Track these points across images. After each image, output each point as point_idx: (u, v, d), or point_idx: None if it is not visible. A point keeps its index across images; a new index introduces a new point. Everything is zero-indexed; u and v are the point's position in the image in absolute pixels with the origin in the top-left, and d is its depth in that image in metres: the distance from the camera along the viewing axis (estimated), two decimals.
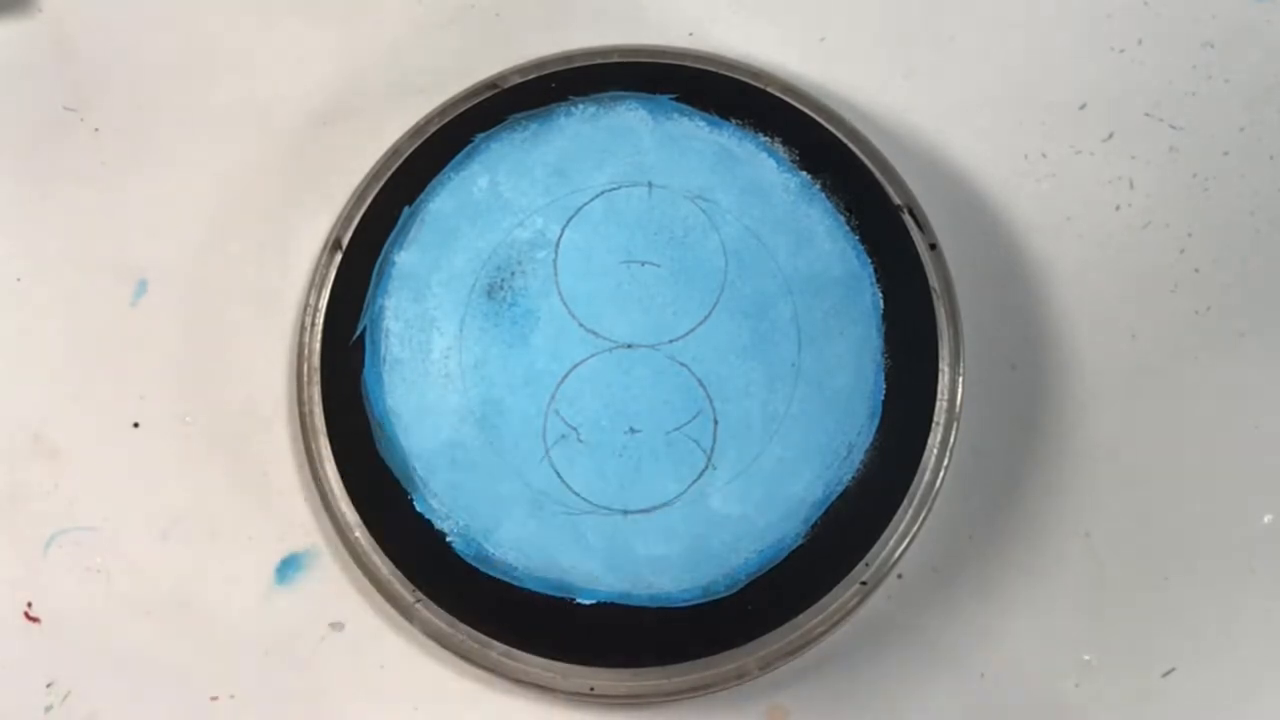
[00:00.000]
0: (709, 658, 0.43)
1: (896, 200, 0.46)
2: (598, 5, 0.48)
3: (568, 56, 0.47)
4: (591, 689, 0.44)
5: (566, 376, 0.44)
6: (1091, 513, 0.46)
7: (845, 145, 0.46)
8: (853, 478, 0.43)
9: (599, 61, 0.46)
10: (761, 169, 0.45)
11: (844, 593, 0.44)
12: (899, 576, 0.46)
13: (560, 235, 0.44)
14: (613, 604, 0.43)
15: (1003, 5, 0.49)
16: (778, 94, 0.46)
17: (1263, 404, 0.47)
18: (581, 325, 0.44)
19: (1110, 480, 0.46)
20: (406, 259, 0.44)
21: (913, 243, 0.45)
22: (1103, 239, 0.48)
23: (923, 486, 0.44)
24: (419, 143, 0.46)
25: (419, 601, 0.44)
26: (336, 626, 0.45)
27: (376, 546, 0.44)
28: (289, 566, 0.46)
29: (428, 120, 0.46)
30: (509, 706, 0.45)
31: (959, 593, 0.46)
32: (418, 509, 0.43)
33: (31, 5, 0.48)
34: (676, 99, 0.45)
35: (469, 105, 0.46)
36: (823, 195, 0.45)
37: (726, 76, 0.47)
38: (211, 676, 0.45)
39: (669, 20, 0.49)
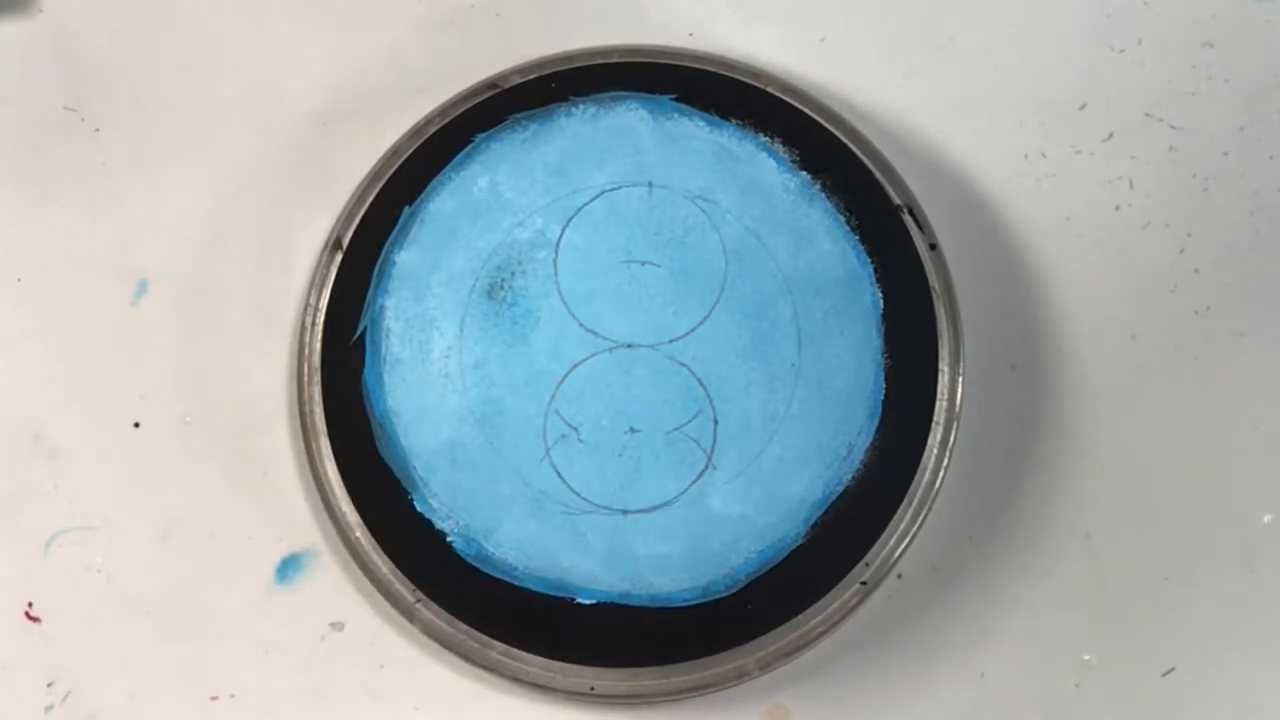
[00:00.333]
0: (709, 658, 0.43)
1: (896, 200, 0.46)
2: (598, 5, 0.48)
3: (568, 56, 0.47)
4: (591, 689, 0.44)
5: (567, 376, 0.44)
6: (1091, 513, 0.46)
7: (845, 145, 0.46)
8: (853, 478, 0.43)
9: (599, 61, 0.46)
10: (761, 169, 0.45)
11: (844, 593, 0.44)
12: (899, 576, 0.46)
13: (560, 235, 0.44)
14: (613, 604, 0.43)
15: (1003, 5, 0.49)
16: (778, 94, 0.46)
17: (1263, 404, 0.47)
18: (581, 325, 0.44)
19: (1110, 480, 0.46)
20: (407, 259, 0.44)
21: (913, 243, 0.45)
22: (1103, 239, 0.48)
23: (923, 486, 0.44)
24: (419, 143, 0.46)
25: (419, 601, 0.44)
26: (336, 626, 0.45)
27: (377, 546, 0.44)
28: (289, 566, 0.46)
29: (428, 120, 0.46)
30: (509, 706, 0.45)
31: (959, 593, 0.46)
32: (418, 509, 0.43)
33: (31, 5, 0.48)
34: (676, 99, 0.45)
35: (469, 105, 0.46)
36: (823, 195, 0.45)
37: (726, 76, 0.47)
38: (211, 676, 0.45)
39: (669, 20, 0.49)
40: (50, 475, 0.46)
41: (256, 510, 0.46)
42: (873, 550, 0.44)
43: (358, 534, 0.44)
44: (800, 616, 0.43)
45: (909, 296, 0.45)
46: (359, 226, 0.45)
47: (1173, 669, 0.45)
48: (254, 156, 0.48)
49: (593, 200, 0.45)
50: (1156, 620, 0.46)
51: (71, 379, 0.46)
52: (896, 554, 0.44)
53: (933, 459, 0.44)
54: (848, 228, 0.45)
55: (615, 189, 0.45)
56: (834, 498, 0.43)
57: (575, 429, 0.43)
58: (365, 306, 0.44)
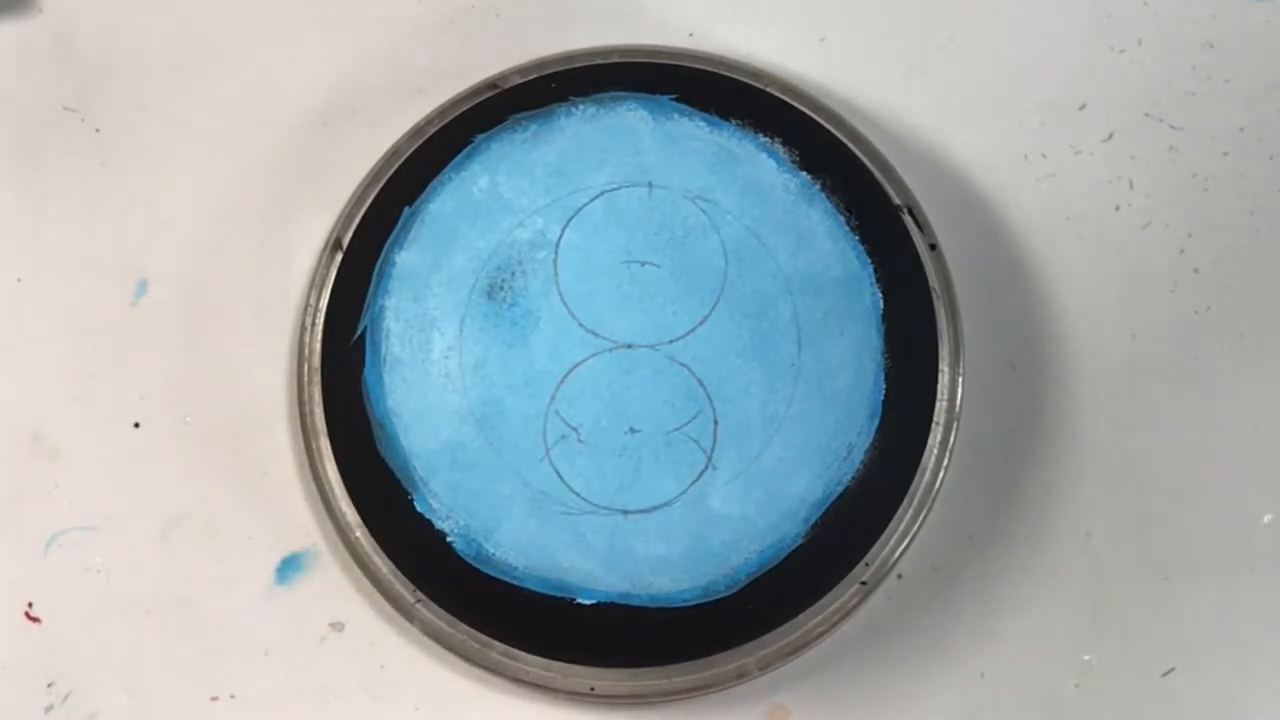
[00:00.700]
0: (709, 658, 0.43)
1: (896, 200, 0.46)
2: (598, 5, 0.48)
3: (568, 56, 0.47)
4: (591, 689, 0.44)
5: (567, 376, 0.44)
6: (1091, 513, 0.46)
7: (845, 145, 0.46)
8: (853, 478, 0.43)
9: (599, 61, 0.46)
10: (761, 169, 0.45)
11: (844, 593, 0.44)
12: (899, 576, 0.46)
13: (560, 235, 0.44)
14: (613, 604, 0.43)
15: (1003, 5, 0.49)
16: (778, 94, 0.46)
17: (1263, 404, 0.47)
18: (581, 325, 0.44)
19: (1110, 480, 0.46)
20: (407, 259, 0.44)
21: (913, 243, 0.45)
22: (1103, 239, 0.48)
23: (923, 486, 0.44)
24: (419, 143, 0.46)
25: (419, 601, 0.44)
26: (336, 626, 0.45)
27: (376, 546, 0.44)
28: (289, 566, 0.46)
29: (428, 120, 0.46)
30: (509, 706, 0.45)
31: (959, 593, 0.46)
32: (418, 509, 0.43)
33: (31, 5, 0.48)
34: (676, 99, 0.45)
35: (469, 105, 0.46)
36: (823, 195, 0.45)
37: (726, 76, 0.47)
38: (211, 676, 0.45)
39: (669, 20, 0.49)
40: (50, 475, 0.46)
41: (256, 510, 0.46)
42: (873, 550, 0.44)
43: (358, 534, 0.44)
44: (800, 616, 0.43)
45: (909, 296, 0.45)
46: (359, 226, 0.45)
47: (1173, 669, 0.45)
48: (254, 156, 0.48)
49: (593, 200, 0.45)
50: (1156, 620, 0.46)
51: (71, 379, 0.46)
52: (896, 554, 0.44)
53: (933, 459, 0.44)
54: (848, 228, 0.45)
55: (615, 189, 0.45)
56: (834, 498, 0.43)
57: (575, 429, 0.43)
58: (365, 306, 0.44)
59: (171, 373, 0.47)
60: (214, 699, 0.45)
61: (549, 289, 0.44)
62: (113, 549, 0.46)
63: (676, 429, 0.43)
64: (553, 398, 0.44)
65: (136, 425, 0.46)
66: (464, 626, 0.44)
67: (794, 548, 0.43)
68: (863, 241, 0.45)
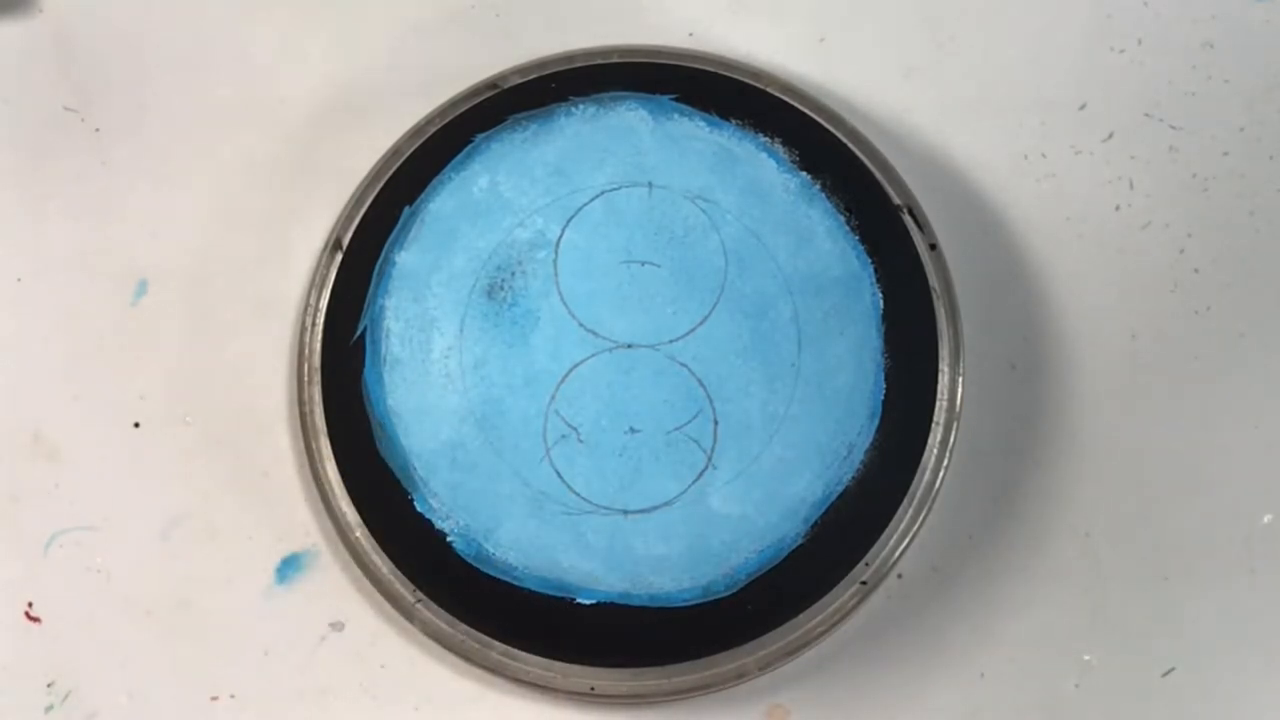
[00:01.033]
0: (709, 658, 0.43)
1: (896, 200, 0.46)
2: (598, 5, 0.48)
3: (568, 56, 0.47)
4: (591, 689, 0.44)
5: (567, 376, 0.44)
6: (1091, 513, 0.46)
7: (845, 145, 0.46)
8: (853, 478, 0.43)
9: (599, 61, 0.46)
10: (761, 169, 0.45)
11: (844, 593, 0.44)
12: (899, 576, 0.46)
13: (560, 235, 0.44)
14: (613, 604, 0.43)
15: (1003, 5, 0.49)
16: (778, 94, 0.46)
17: (1263, 404, 0.47)
18: (581, 325, 0.44)
19: (1110, 480, 0.46)
20: (407, 259, 0.44)
21: (913, 243, 0.45)
22: (1103, 239, 0.48)
23: (923, 486, 0.44)
24: (419, 143, 0.46)
25: (419, 601, 0.44)
26: (336, 626, 0.45)
27: (376, 546, 0.44)
28: (289, 566, 0.46)
29: (428, 120, 0.46)
30: (509, 706, 0.45)
31: (959, 593, 0.46)
32: (418, 509, 0.43)
33: (31, 5, 0.48)
34: (676, 99, 0.45)
35: (469, 105, 0.46)
36: (823, 195, 0.45)
37: (726, 76, 0.47)
38: (211, 676, 0.45)
39: (669, 20, 0.49)
40: (50, 475, 0.46)
41: (256, 510, 0.46)
42: (873, 550, 0.44)
43: (358, 534, 0.44)
44: (800, 616, 0.43)
45: (909, 296, 0.45)
46: (359, 226, 0.45)
47: (1173, 669, 0.45)
48: (254, 156, 0.48)
49: (593, 200, 0.45)
50: (1156, 620, 0.46)
51: (71, 379, 0.46)
52: (896, 554, 0.44)
53: (933, 459, 0.44)
54: (848, 228, 0.45)
55: (615, 189, 0.45)
56: (834, 498, 0.43)
57: (575, 429, 0.43)
58: (365, 306, 0.44)
59: (171, 373, 0.47)
60: (214, 699, 0.45)
61: (549, 289, 0.44)
62: (113, 549, 0.46)
63: (676, 429, 0.43)
64: (553, 398, 0.44)
65: (136, 425, 0.46)
66: (464, 626, 0.44)
67: (794, 548, 0.43)
68: (863, 241, 0.45)
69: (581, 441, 0.43)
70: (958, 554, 0.46)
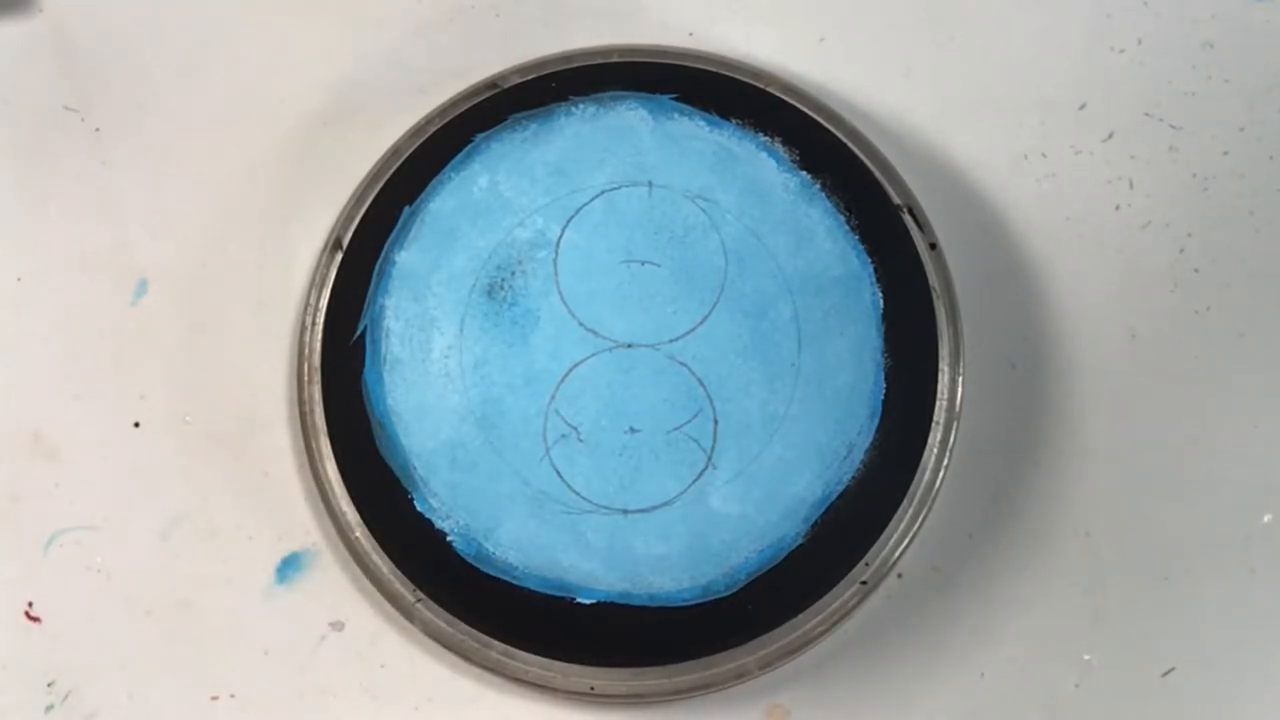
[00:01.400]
0: (709, 658, 0.43)
1: (896, 200, 0.46)
2: (598, 5, 0.48)
3: (568, 56, 0.47)
4: (591, 689, 0.44)
5: (567, 376, 0.44)
6: (1091, 513, 0.46)
7: (845, 145, 0.46)
8: (853, 478, 0.43)
9: (599, 61, 0.46)
10: (761, 169, 0.45)
11: (844, 593, 0.44)
12: (899, 576, 0.46)
13: (560, 235, 0.44)
14: (613, 604, 0.43)
15: (1003, 5, 0.49)
16: (778, 94, 0.46)
17: (1263, 404, 0.47)
18: (581, 325, 0.44)
19: (1110, 480, 0.46)
20: (407, 259, 0.44)
21: (913, 243, 0.45)
22: (1103, 239, 0.48)
23: (923, 486, 0.44)
24: (419, 143, 0.46)
25: (419, 601, 0.44)
26: (336, 626, 0.45)
27: (377, 546, 0.44)
28: (289, 566, 0.46)
29: (428, 120, 0.46)
30: (509, 706, 0.45)
31: (959, 593, 0.46)
32: (418, 508, 0.43)
33: (31, 5, 0.48)
34: (676, 99, 0.45)
35: (469, 105, 0.46)
36: (823, 195, 0.45)
37: (726, 76, 0.47)
38: (211, 676, 0.45)
39: (669, 20, 0.49)
40: (50, 475, 0.46)
41: (256, 510, 0.46)
42: (873, 550, 0.44)
43: (358, 534, 0.44)
44: (800, 616, 0.43)
45: (909, 296, 0.45)
46: (359, 226, 0.46)
47: (1173, 669, 0.45)
48: (254, 156, 0.48)
49: (593, 200, 0.45)
50: (1156, 620, 0.46)
51: (71, 379, 0.46)
52: (896, 554, 0.44)
53: (933, 459, 0.44)
54: (848, 228, 0.45)
55: (615, 189, 0.45)
56: (834, 498, 0.43)
57: (575, 429, 0.43)
58: (365, 306, 0.44)
59: (171, 373, 0.47)
60: (214, 699, 0.45)
61: (549, 288, 0.44)
62: (113, 549, 0.46)
63: (676, 428, 0.43)
64: (553, 397, 0.44)
65: (136, 425, 0.46)
66: (464, 626, 0.44)
67: (794, 547, 0.43)
68: (863, 241, 0.45)
69: (581, 441, 0.43)
70: (958, 554, 0.46)
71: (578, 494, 0.43)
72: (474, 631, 0.43)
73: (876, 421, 0.44)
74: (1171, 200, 0.48)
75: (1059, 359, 0.47)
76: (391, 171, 0.46)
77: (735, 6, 0.49)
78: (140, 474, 0.46)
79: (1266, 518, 0.46)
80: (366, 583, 0.45)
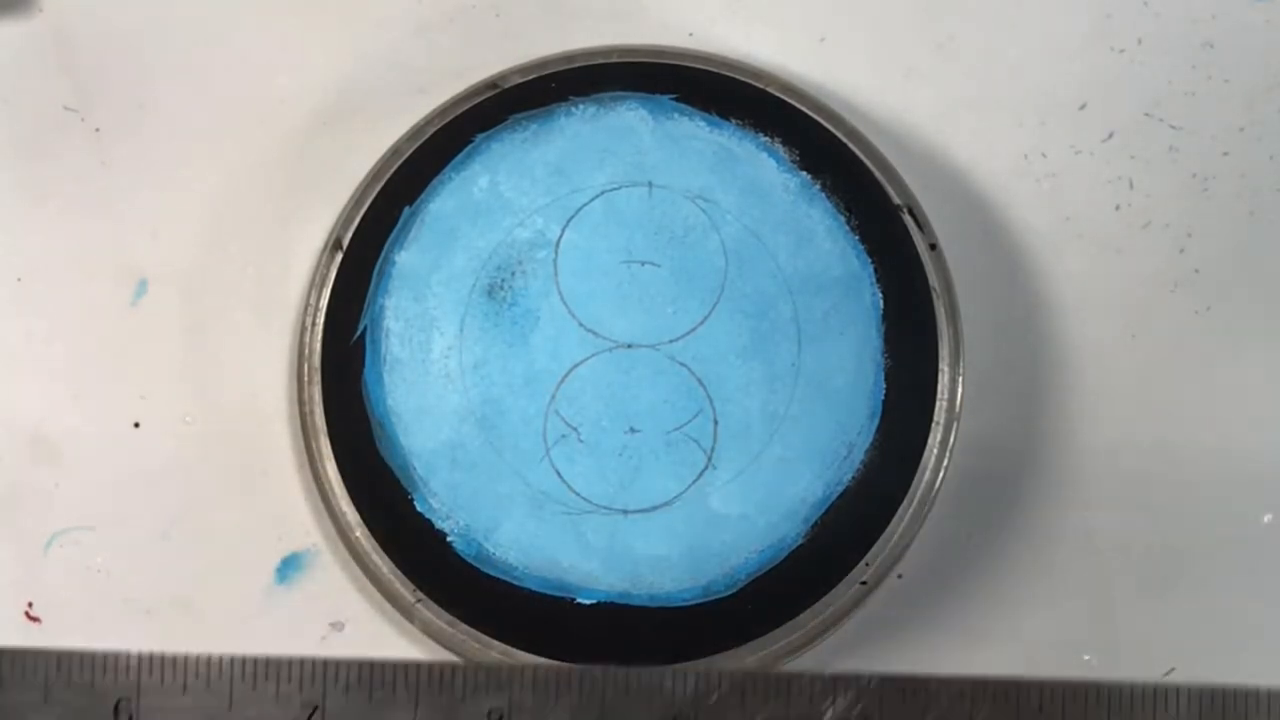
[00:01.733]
0: (709, 658, 0.43)
1: (896, 200, 0.46)
2: (598, 5, 0.48)
3: (568, 56, 0.47)
4: None
5: (567, 376, 0.44)
6: (1092, 513, 0.46)
7: (845, 145, 0.46)
8: (853, 478, 0.43)
9: (599, 61, 0.46)
10: (762, 169, 0.45)
11: (844, 593, 0.44)
12: (899, 576, 0.46)
13: (560, 235, 0.44)
14: (613, 604, 0.43)
15: (1003, 5, 0.49)
16: (778, 94, 0.46)
17: (1263, 404, 0.47)
18: (581, 325, 0.44)
19: (1110, 480, 0.46)
20: (407, 259, 0.44)
21: (913, 243, 0.45)
22: (1103, 239, 0.48)
23: (923, 486, 0.44)
24: (419, 143, 0.46)
25: (419, 601, 0.44)
26: (336, 626, 0.45)
27: (376, 546, 0.44)
28: (289, 566, 0.46)
29: (428, 120, 0.46)
30: None
31: (959, 593, 0.46)
32: (418, 509, 0.43)
33: (31, 5, 0.48)
34: (676, 99, 0.45)
35: (469, 105, 0.46)
36: (823, 195, 0.45)
37: (726, 76, 0.46)
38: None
39: (669, 20, 0.49)
40: (50, 475, 0.46)
41: (256, 510, 0.46)
42: (873, 550, 0.44)
43: (358, 534, 0.44)
44: (800, 616, 0.43)
45: (909, 296, 0.45)
46: (359, 226, 0.45)
47: (1173, 669, 0.45)
48: (254, 156, 0.48)
49: (593, 200, 0.45)
50: (1157, 620, 0.46)
51: (71, 379, 0.46)
52: (896, 554, 0.44)
53: (933, 459, 0.44)
54: (848, 228, 0.45)
55: (615, 189, 0.45)
56: (834, 498, 0.43)
57: (575, 429, 0.43)
58: (365, 306, 0.44)
59: (171, 373, 0.47)
60: None
61: (549, 289, 0.44)
62: (113, 549, 0.46)
63: (676, 429, 0.43)
64: (553, 397, 0.44)
65: (136, 425, 0.46)
66: (464, 626, 0.44)
67: (794, 548, 0.43)
68: (863, 241, 0.45)
69: (581, 441, 0.43)
70: (958, 554, 0.46)
71: (578, 494, 0.43)
72: (474, 632, 0.43)
73: (876, 421, 0.44)
74: (1171, 200, 0.48)
75: (1059, 359, 0.47)
76: (391, 171, 0.46)
77: (735, 6, 0.49)
78: (140, 474, 0.46)
79: (1267, 518, 0.46)
80: (366, 583, 0.45)
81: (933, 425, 0.44)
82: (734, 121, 0.45)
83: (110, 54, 0.48)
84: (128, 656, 0.38)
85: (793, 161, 0.45)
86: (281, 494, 0.46)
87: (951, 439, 0.44)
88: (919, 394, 0.44)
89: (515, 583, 0.43)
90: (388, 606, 0.44)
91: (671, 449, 0.43)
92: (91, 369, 0.46)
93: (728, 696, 0.37)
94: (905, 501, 0.44)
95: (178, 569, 0.46)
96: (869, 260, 0.44)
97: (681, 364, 0.44)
